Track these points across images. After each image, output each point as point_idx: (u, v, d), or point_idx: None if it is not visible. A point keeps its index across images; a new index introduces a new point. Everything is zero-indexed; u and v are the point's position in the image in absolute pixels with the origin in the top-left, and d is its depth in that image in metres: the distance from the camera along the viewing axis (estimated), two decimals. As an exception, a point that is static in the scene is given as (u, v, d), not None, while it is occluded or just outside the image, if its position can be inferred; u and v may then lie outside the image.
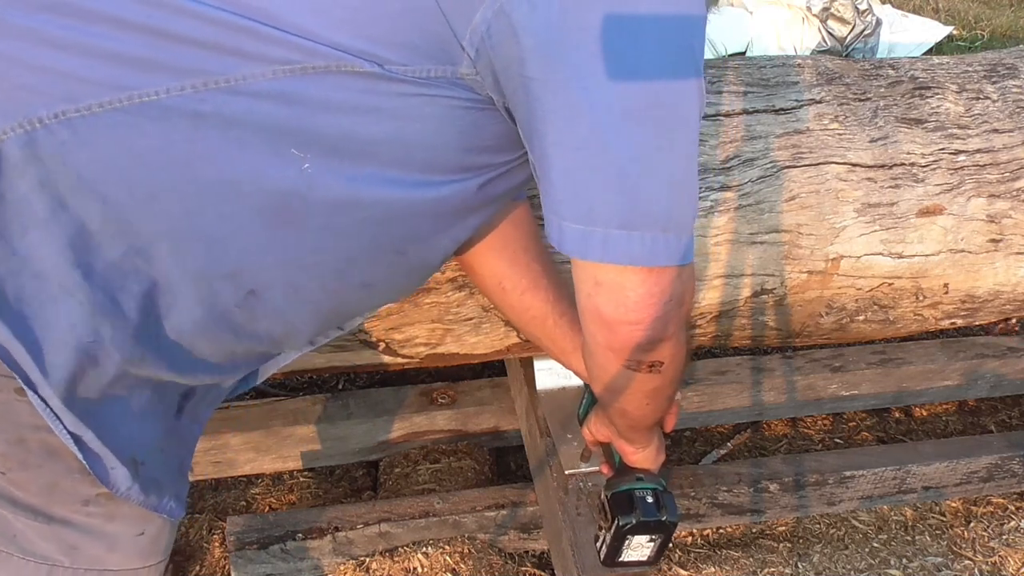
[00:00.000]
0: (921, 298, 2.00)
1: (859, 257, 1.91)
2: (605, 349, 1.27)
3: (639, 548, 1.60)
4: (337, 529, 1.98)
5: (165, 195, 1.10)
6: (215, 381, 1.36)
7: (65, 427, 1.14)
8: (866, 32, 4.82)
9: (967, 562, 2.16)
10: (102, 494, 1.28)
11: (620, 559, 1.61)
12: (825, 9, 4.79)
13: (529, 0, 1.06)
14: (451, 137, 1.20)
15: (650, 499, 1.58)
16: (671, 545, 2.18)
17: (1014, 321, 2.28)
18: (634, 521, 1.56)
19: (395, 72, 1.11)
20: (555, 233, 1.16)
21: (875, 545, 2.21)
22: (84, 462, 1.19)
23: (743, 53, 4.79)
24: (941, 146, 1.96)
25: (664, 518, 1.57)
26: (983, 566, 2.15)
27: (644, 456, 1.65)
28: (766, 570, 2.11)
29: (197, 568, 2.15)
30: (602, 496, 1.65)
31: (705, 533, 2.24)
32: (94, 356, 1.13)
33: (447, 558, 2.00)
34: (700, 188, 1.83)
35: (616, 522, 1.58)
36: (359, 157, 1.16)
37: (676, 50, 1.10)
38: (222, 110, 1.08)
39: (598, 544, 1.66)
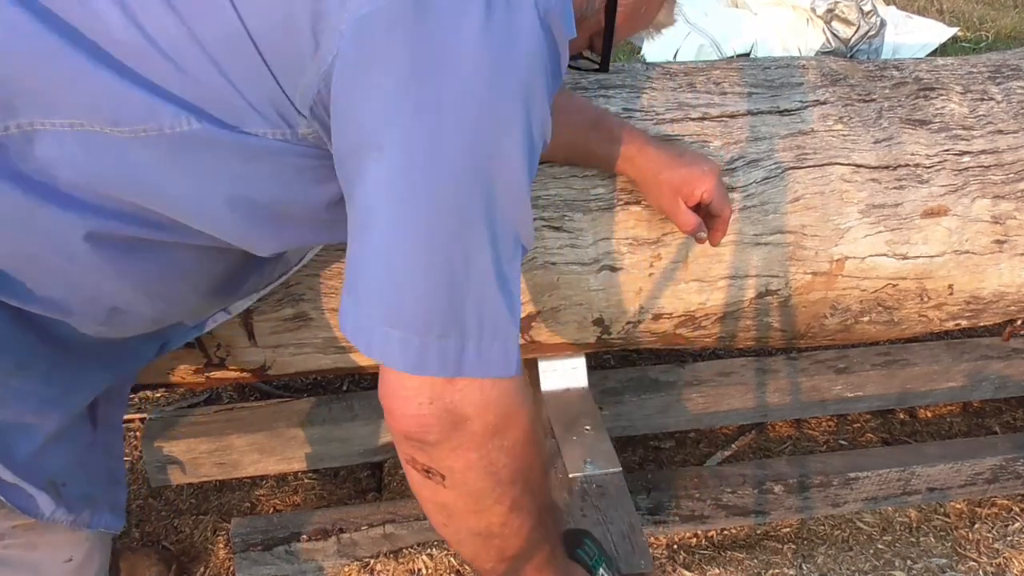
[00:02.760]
0: (926, 299, 2.00)
1: (864, 258, 1.91)
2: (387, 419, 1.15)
3: None
4: (341, 530, 1.99)
5: (8, 244, 1.10)
6: (110, 377, 1.39)
7: None
8: (870, 33, 4.82)
9: (972, 563, 2.16)
10: (19, 526, 1.28)
11: None
12: (829, 11, 4.79)
13: (341, 115, 1.04)
14: (298, 189, 1.17)
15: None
16: (675, 547, 2.18)
17: (1019, 323, 2.28)
18: None
19: (234, 133, 1.09)
20: (341, 306, 1.09)
21: (880, 546, 2.21)
22: (2, 498, 1.20)
23: (747, 54, 4.79)
24: (946, 147, 1.96)
25: None
26: (988, 568, 2.15)
27: None
28: (770, 572, 2.11)
29: (202, 569, 2.16)
30: None
31: (709, 535, 2.24)
32: None
33: (451, 559, 2.00)
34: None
35: None
36: (201, 215, 1.15)
37: (471, 156, 1.02)
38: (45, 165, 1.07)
39: None
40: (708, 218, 1.71)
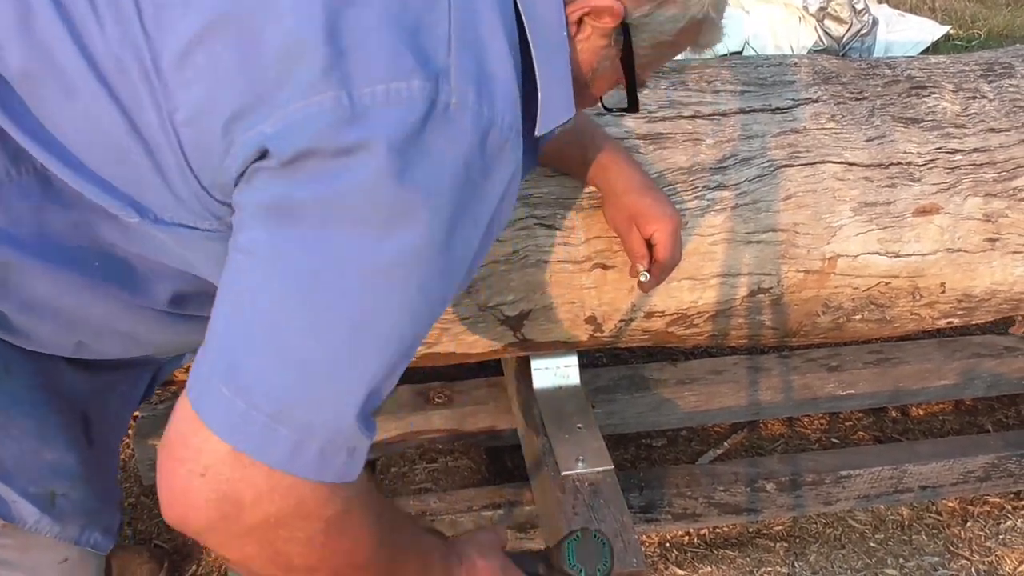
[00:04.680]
0: (918, 297, 2.00)
1: (856, 256, 1.91)
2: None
3: None
4: (333, 528, 1.98)
5: None
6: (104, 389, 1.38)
7: None
8: (863, 31, 4.82)
9: (964, 561, 2.17)
10: (7, 526, 1.27)
11: None
12: (822, 8, 4.79)
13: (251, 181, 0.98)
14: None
15: None
16: (667, 545, 2.18)
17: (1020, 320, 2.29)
18: None
19: (162, 220, 1.06)
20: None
21: (872, 545, 2.21)
22: None
23: (740, 52, 4.79)
24: (938, 145, 1.96)
25: None
26: (980, 566, 2.15)
27: None
28: (763, 570, 2.11)
29: (194, 567, 2.15)
30: None
31: (702, 533, 2.24)
32: None
33: (444, 558, 2.00)
34: (697, 187, 1.83)
35: None
36: (146, 275, 1.17)
37: (369, 276, 0.96)
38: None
39: None
40: (653, 261, 1.67)
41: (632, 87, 1.27)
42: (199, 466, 0.94)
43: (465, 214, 1.00)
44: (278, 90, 0.94)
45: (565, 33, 1.12)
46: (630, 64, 1.22)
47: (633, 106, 1.29)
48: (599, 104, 1.37)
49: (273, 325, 0.95)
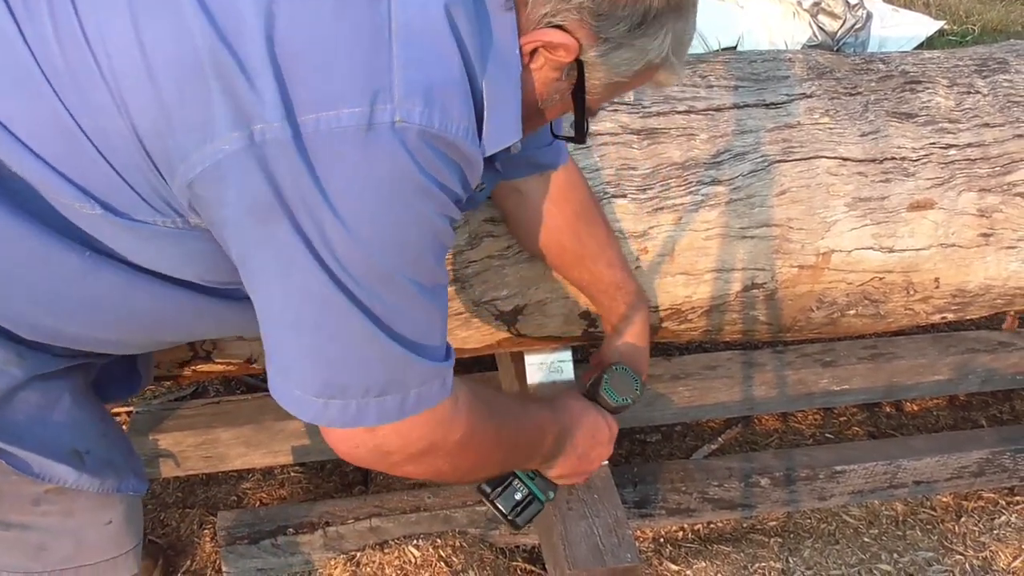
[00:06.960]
0: (912, 292, 2.00)
1: (850, 251, 1.92)
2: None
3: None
4: (328, 524, 1.98)
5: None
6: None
7: None
8: (857, 27, 4.82)
9: (958, 557, 2.17)
10: (51, 490, 1.29)
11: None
12: (816, 4, 4.79)
13: (217, 189, 1.07)
14: (201, 265, 1.23)
15: (518, 496, 1.66)
16: (662, 540, 2.18)
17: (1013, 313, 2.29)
18: (492, 505, 1.67)
19: (127, 217, 1.14)
20: (271, 380, 1.22)
21: (866, 540, 2.21)
22: (12, 468, 1.24)
23: (734, 48, 4.78)
24: (932, 140, 1.96)
25: (511, 518, 1.66)
26: (974, 560, 2.16)
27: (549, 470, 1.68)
28: (757, 565, 2.11)
29: (188, 563, 2.15)
30: None
31: (696, 528, 2.24)
32: None
33: (438, 552, 2.00)
34: (691, 182, 1.83)
35: (484, 490, 1.67)
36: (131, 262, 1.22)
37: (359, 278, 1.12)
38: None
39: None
40: None
41: (581, 120, 1.29)
42: (354, 446, 1.27)
43: (407, 207, 1.11)
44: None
45: (517, 59, 1.17)
46: (581, 99, 1.25)
47: (580, 137, 1.32)
48: (550, 130, 1.48)
49: (337, 344, 1.17)
